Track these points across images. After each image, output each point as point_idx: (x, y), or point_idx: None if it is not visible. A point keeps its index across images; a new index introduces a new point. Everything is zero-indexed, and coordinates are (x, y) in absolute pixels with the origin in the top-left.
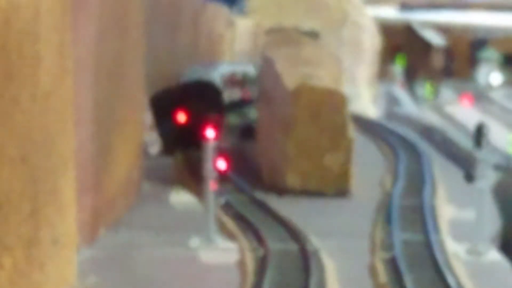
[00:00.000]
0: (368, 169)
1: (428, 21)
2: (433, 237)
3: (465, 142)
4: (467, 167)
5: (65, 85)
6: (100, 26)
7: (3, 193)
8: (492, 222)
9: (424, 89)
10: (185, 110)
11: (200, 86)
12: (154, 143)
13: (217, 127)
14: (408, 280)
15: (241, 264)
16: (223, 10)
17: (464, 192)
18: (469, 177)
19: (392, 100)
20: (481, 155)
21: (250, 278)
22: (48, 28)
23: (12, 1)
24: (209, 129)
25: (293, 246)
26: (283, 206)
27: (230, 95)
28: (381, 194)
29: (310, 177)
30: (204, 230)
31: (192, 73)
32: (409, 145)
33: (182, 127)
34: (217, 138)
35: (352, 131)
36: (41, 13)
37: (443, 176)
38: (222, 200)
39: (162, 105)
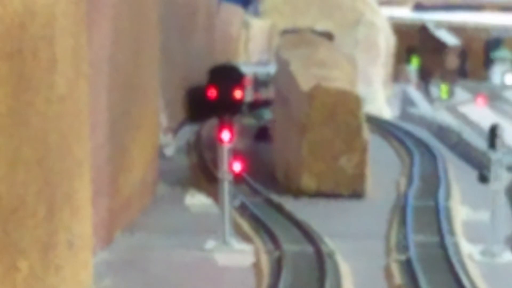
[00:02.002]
0: (383, 170)
1: (442, 21)
2: (447, 239)
3: (480, 143)
4: (482, 168)
5: (80, 88)
6: (115, 29)
7: (18, 196)
8: (507, 224)
9: (439, 89)
10: (215, 88)
11: (226, 69)
12: (169, 144)
13: (233, 130)
14: (423, 281)
15: (256, 266)
16: (238, 11)
17: (479, 193)
18: (484, 178)
19: (406, 101)
20: (495, 156)
21: (265, 280)
22: (63, 32)
23: (27, 5)
24: (225, 132)
25: (308, 248)
26: (298, 208)
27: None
28: (396, 196)
29: (325, 179)
30: (220, 232)
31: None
32: (423, 146)
33: (213, 100)
34: (232, 140)
35: (367, 132)
36: (56, 17)
37: (457, 177)
38: (237, 202)
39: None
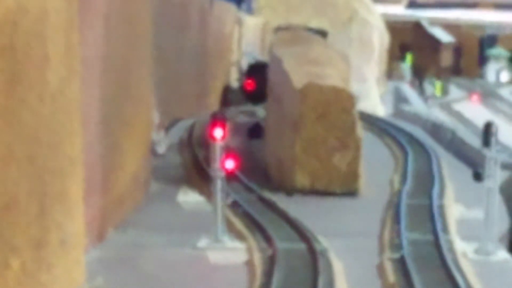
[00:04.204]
0: (377, 168)
1: (437, 18)
2: (441, 237)
3: (474, 141)
4: (476, 166)
5: (73, 86)
6: (108, 26)
7: (10, 194)
8: (501, 222)
9: (433, 86)
10: (253, 80)
11: (260, 65)
12: (161, 142)
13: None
14: (416, 280)
15: (249, 264)
16: (231, 9)
17: (473, 191)
18: (478, 176)
19: (400, 98)
20: (489, 154)
21: (258, 278)
22: (55, 29)
23: (19, 2)
24: (217, 129)
25: (301, 246)
26: (291, 206)
27: None
28: (389, 194)
29: (318, 177)
30: (212, 230)
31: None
32: (417, 144)
33: (250, 91)
34: (224, 137)
35: (361, 130)
36: (49, 14)
37: (451, 175)
38: (230, 200)
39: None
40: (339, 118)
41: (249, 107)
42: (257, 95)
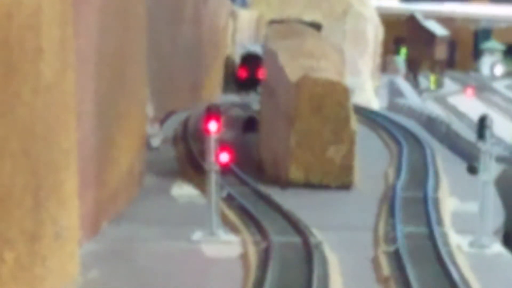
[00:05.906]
0: (371, 161)
1: (431, 12)
2: (436, 230)
3: (469, 134)
4: (471, 159)
5: (67, 79)
6: (102, 19)
7: (5, 187)
8: (496, 215)
9: (428, 80)
10: (245, 69)
11: (253, 56)
12: (156, 135)
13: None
14: (411, 273)
15: (244, 257)
16: (225, 2)
17: (468, 184)
18: (473, 169)
19: (395, 92)
20: (484, 147)
21: (253, 271)
22: (49, 22)
23: None
24: (212, 122)
25: (296, 239)
26: (286, 199)
27: None
28: (384, 187)
29: (313, 170)
30: (207, 223)
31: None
32: (412, 137)
33: (243, 78)
34: (219, 130)
35: (355, 123)
36: (43, 7)
37: (446, 168)
38: (224, 193)
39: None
40: (333, 111)
41: (243, 99)
42: (249, 82)
